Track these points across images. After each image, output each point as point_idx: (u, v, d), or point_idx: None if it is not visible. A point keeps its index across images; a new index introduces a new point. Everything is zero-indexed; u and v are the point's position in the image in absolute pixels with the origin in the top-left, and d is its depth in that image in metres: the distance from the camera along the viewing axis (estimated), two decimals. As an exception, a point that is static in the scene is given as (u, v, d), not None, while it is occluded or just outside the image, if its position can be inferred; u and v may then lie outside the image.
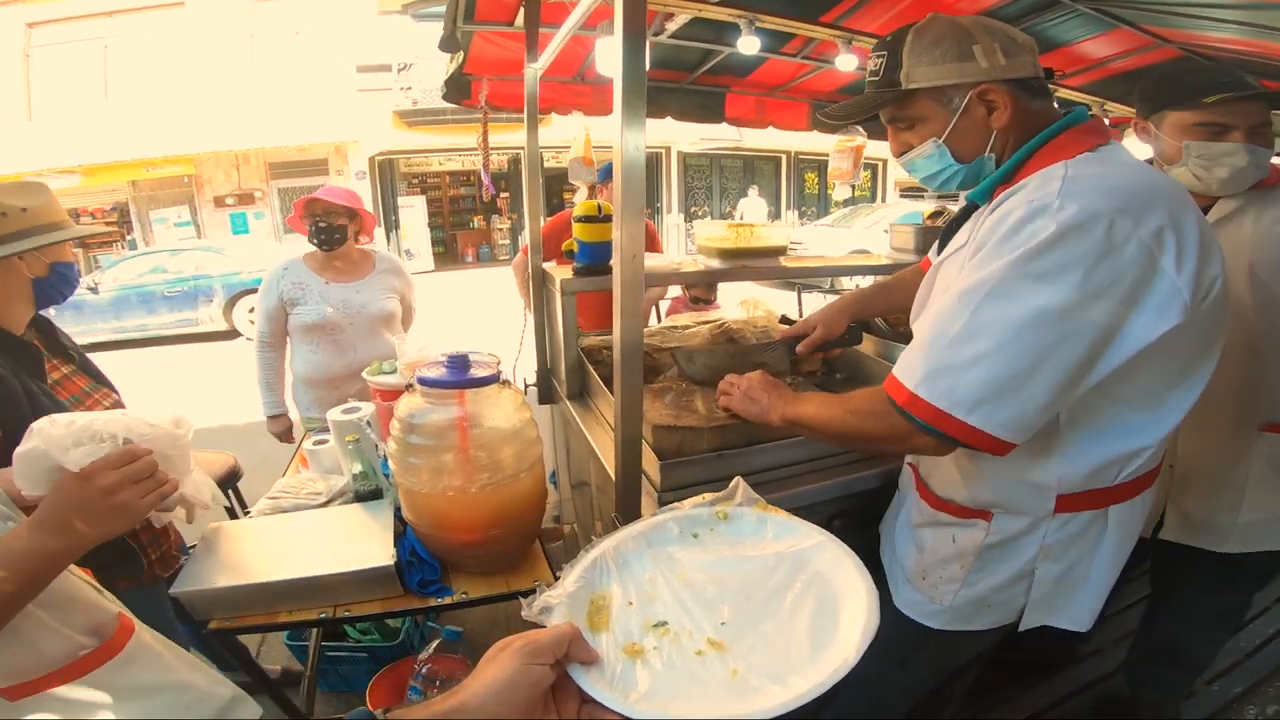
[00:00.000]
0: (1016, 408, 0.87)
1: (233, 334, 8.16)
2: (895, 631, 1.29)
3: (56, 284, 1.38)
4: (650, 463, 1.30)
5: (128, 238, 12.42)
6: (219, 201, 12.55)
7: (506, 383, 1.28)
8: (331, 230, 2.23)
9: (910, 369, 0.93)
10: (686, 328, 1.66)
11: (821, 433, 1.12)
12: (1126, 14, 2.05)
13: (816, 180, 17.32)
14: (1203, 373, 0.98)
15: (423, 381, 1.22)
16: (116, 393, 1.57)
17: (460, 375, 1.22)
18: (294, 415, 2.47)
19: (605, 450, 1.49)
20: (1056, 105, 1.07)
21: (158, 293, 7.92)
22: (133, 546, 1.48)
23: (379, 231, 12.64)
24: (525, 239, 2.21)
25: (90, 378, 1.52)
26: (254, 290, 7.89)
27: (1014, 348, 0.85)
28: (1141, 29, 2.13)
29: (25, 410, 1.21)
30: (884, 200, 14.96)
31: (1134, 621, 2.07)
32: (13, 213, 1.27)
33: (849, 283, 7.22)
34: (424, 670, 1.71)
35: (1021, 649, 1.39)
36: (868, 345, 1.96)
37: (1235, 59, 2.31)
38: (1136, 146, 2.91)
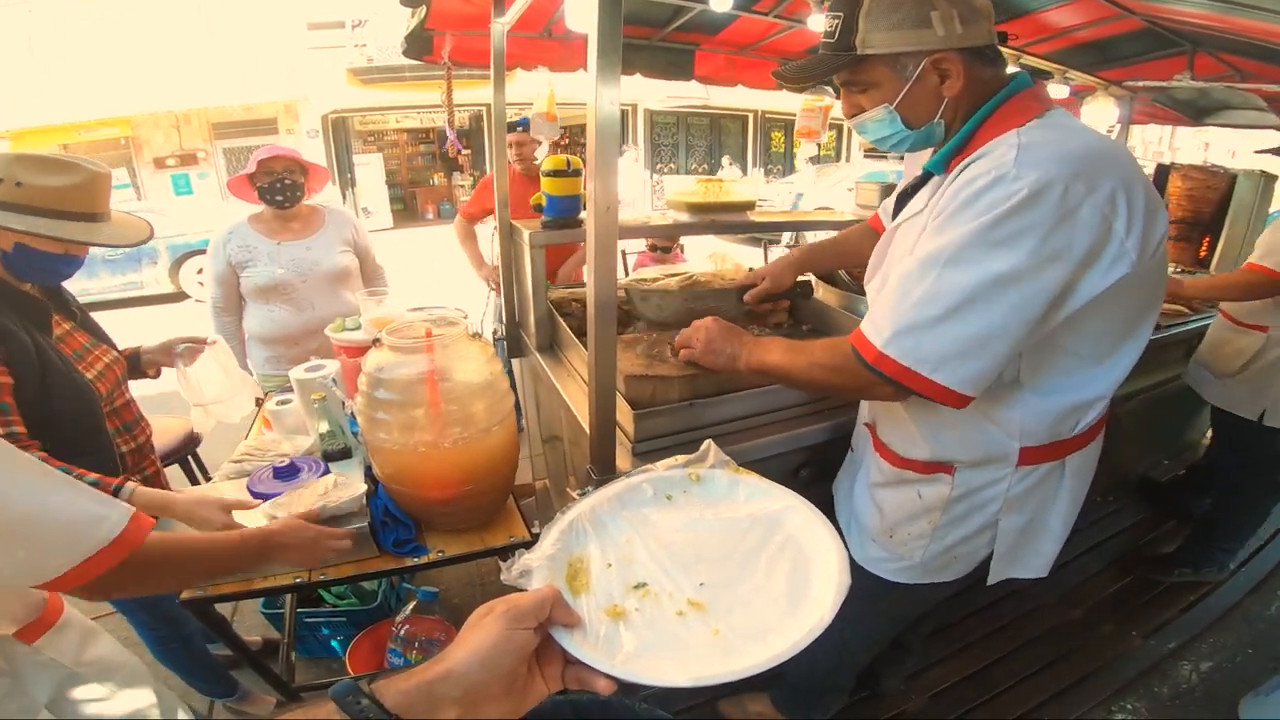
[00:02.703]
0: (978, 366, 0.91)
1: (180, 296, 7.87)
2: (856, 585, 1.35)
3: (20, 263, 1.32)
4: (624, 413, 1.31)
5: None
6: (159, 163, 11.98)
7: (476, 335, 1.26)
8: (294, 188, 2.17)
9: (878, 328, 0.96)
10: (655, 280, 1.66)
11: (787, 380, 1.17)
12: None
13: (783, 139, 17.31)
14: (1147, 325, 1.03)
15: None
16: (116, 349, 1.58)
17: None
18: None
19: (578, 402, 1.49)
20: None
21: (97, 256, 7.51)
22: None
23: (333, 190, 12.27)
24: (463, 199, 2.14)
25: (90, 334, 1.52)
26: (200, 251, 7.53)
27: (974, 311, 0.89)
28: (1109, -1, 2.14)
29: (35, 363, 1.26)
30: (848, 160, 15.01)
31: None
32: (7, 181, 1.24)
33: (812, 238, 7.27)
34: (402, 632, 1.71)
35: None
36: (831, 297, 1.98)
37: (1200, 33, 2.34)
38: (1094, 113, 2.97)
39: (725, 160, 14.66)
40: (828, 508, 1.40)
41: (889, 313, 0.95)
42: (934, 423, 1.13)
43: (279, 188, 2.14)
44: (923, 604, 1.44)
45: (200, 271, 7.48)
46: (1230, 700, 1.88)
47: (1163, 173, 3.25)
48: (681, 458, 0.80)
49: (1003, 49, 1.05)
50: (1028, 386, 1.03)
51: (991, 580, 1.23)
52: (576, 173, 1.79)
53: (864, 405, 1.35)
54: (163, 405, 2.14)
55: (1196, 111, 3.47)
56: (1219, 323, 2.24)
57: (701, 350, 1.26)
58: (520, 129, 3.01)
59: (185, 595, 1.22)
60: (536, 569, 0.62)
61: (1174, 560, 2.43)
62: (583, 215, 1.84)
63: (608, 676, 0.54)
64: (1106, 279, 0.89)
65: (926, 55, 0.97)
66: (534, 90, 3.26)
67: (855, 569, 1.28)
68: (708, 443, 0.80)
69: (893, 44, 0.97)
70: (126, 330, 1.84)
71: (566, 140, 13.00)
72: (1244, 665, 2.05)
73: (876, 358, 0.95)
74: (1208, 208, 3.08)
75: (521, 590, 0.59)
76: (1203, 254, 3.01)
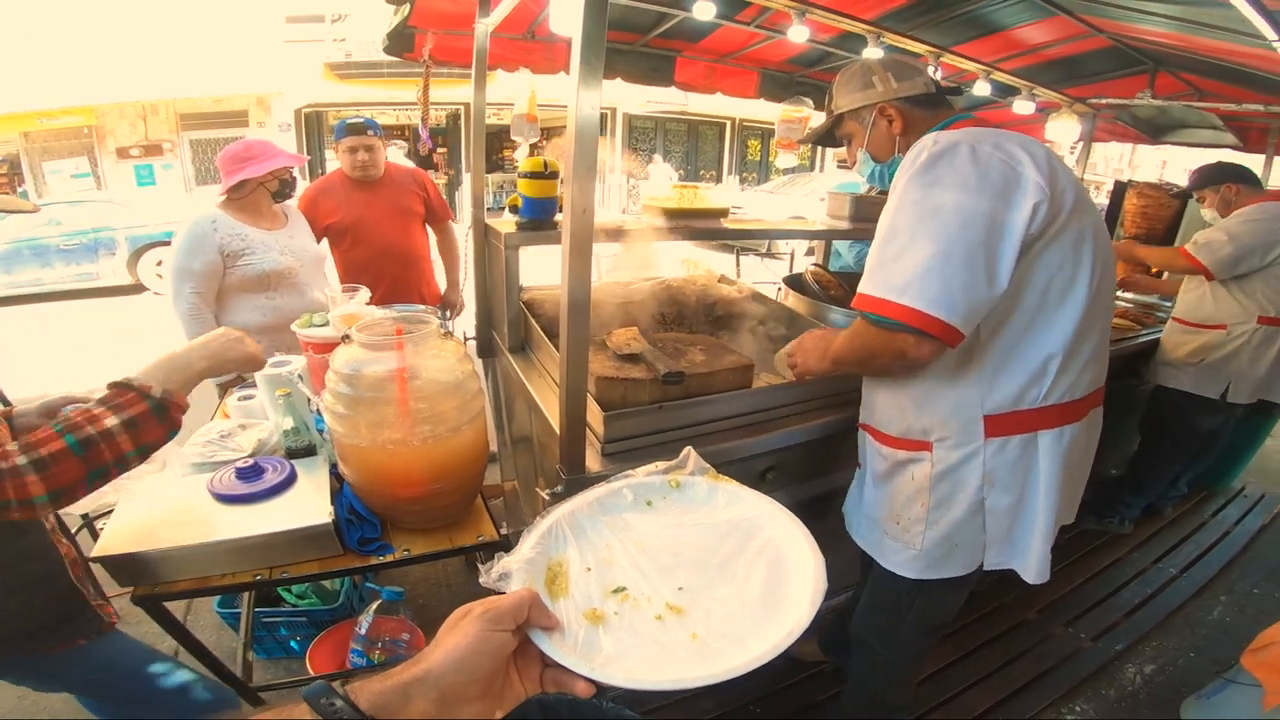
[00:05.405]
0: (940, 285, 1.05)
1: (138, 289, 7.63)
2: (879, 600, 1.46)
3: None
4: (594, 415, 1.31)
5: (19, 190, 11.50)
6: (122, 153, 11.68)
7: (448, 334, 1.26)
8: (294, 181, 2.25)
9: (862, 280, 1.16)
10: (629, 284, 1.66)
11: (851, 364, 1.29)
12: (1065, 1, 2.13)
13: (759, 148, 17.50)
14: (1078, 288, 1.14)
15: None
16: (5, 401, 1.23)
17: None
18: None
19: (549, 403, 1.49)
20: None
21: (53, 246, 7.24)
22: (84, 599, 1.22)
23: (305, 185, 12.07)
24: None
25: None
26: (162, 243, 7.30)
27: (923, 237, 1.07)
28: (1078, 18, 2.22)
29: None
30: (822, 170, 15.24)
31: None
32: None
33: (785, 246, 7.36)
34: (365, 632, 1.69)
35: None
36: (800, 305, 2.01)
37: (1162, 51, 2.44)
38: (1058, 130, 3.07)
39: (655, 161, 14.61)
40: (797, 513, 1.42)
41: (867, 266, 1.15)
42: (908, 396, 1.26)
43: (283, 183, 2.21)
44: (945, 607, 1.46)
45: (160, 264, 7.25)
46: (1172, 702, 1.95)
47: (1120, 189, 3.37)
48: (661, 464, 0.81)
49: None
50: (984, 348, 1.16)
51: (989, 565, 1.28)
52: (554, 174, 1.80)
53: (861, 407, 1.42)
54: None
55: (1155, 129, 3.60)
56: (1175, 327, 2.60)
57: (802, 361, 1.45)
58: (371, 132, 2.59)
59: (138, 592, 1.18)
60: (515, 572, 0.62)
61: (1082, 507, 2.71)
62: (558, 218, 1.85)
63: (586, 679, 0.54)
64: (1026, 207, 1.05)
65: (874, 106, 1.32)
66: (513, 91, 3.25)
67: (885, 575, 1.36)
68: (687, 449, 0.82)
69: (852, 103, 1.36)
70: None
71: (545, 142, 12.94)
72: (1186, 668, 2.13)
73: (858, 300, 1.14)
74: (1160, 225, 3.21)
75: (500, 593, 0.59)
76: (1154, 270, 3.13)
